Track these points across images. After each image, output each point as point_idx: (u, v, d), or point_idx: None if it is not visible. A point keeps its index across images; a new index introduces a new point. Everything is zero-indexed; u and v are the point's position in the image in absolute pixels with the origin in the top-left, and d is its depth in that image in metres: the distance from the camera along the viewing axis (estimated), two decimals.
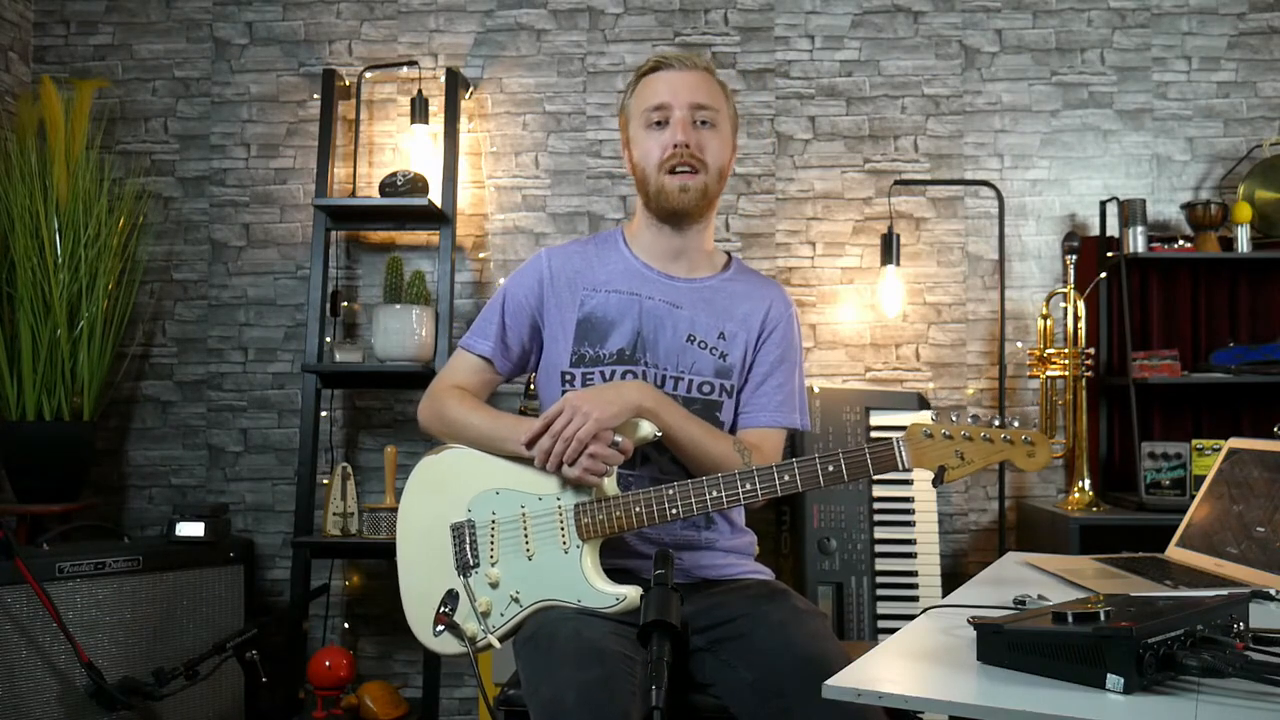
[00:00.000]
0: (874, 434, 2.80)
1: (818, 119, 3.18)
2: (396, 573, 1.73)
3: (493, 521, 1.63)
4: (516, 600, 1.59)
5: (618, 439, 1.55)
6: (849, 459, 1.50)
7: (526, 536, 1.61)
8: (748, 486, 1.53)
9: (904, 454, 1.49)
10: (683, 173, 1.69)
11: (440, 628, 1.61)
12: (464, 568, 1.63)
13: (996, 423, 1.48)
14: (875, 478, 2.76)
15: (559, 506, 1.59)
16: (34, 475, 2.86)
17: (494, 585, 1.61)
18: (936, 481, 1.49)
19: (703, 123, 1.71)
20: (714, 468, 1.61)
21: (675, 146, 1.68)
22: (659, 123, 1.70)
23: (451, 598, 1.62)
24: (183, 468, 3.22)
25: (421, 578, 1.68)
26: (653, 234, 1.77)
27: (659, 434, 1.59)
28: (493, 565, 1.61)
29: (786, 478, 1.52)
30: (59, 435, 2.87)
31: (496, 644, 1.59)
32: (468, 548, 1.63)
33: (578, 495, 1.59)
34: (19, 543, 2.54)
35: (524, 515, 1.61)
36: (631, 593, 1.53)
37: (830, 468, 1.51)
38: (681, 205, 1.70)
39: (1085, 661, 1.00)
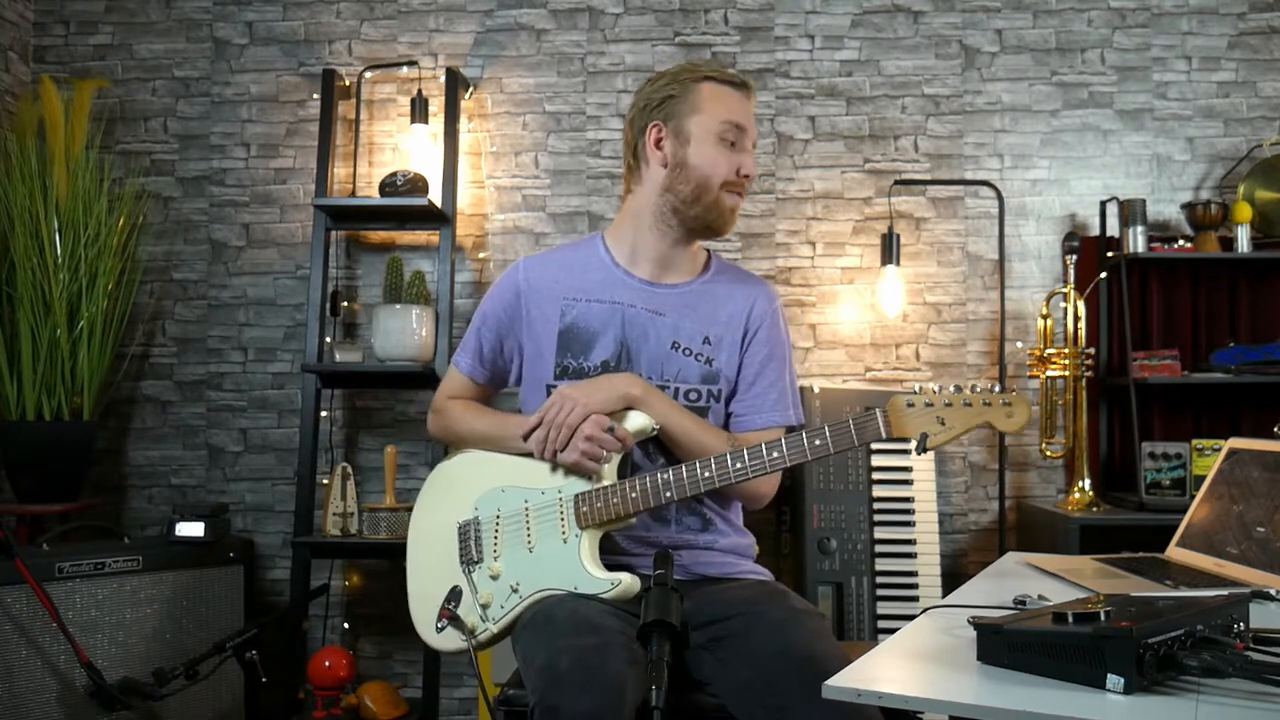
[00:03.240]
0: None
1: (818, 119, 3.18)
2: (404, 576, 1.77)
3: (497, 517, 1.67)
4: (516, 591, 1.62)
5: (613, 426, 1.59)
6: (833, 430, 1.53)
7: (528, 529, 1.64)
8: (738, 465, 1.56)
9: (886, 423, 1.52)
10: (736, 197, 1.74)
11: (443, 622, 1.65)
12: (469, 563, 1.67)
13: (975, 387, 1.51)
14: (876, 478, 2.77)
15: (560, 498, 1.63)
16: (34, 475, 2.85)
17: (495, 578, 1.64)
18: (920, 449, 1.51)
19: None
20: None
21: (746, 177, 1.73)
22: (732, 141, 1.72)
23: (455, 594, 1.66)
24: (183, 468, 3.21)
25: (428, 578, 1.72)
26: (653, 238, 1.76)
27: (656, 428, 1.62)
28: (495, 559, 1.65)
29: (775, 454, 1.55)
30: (59, 435, 2.87)
31: (494, 629, 1.62)
32: (472, 544, 1.68)
33: (578, 486, 1.62)
34: (19, 543, 2.54)
35: (527, 509, 1.65)
36: (625, 577, 1.56)
37: (817, 441, 1.54)
38: (727, 226, 1.75)
39: (1085, 661, 1.00)
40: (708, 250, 1.86)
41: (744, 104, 1.75)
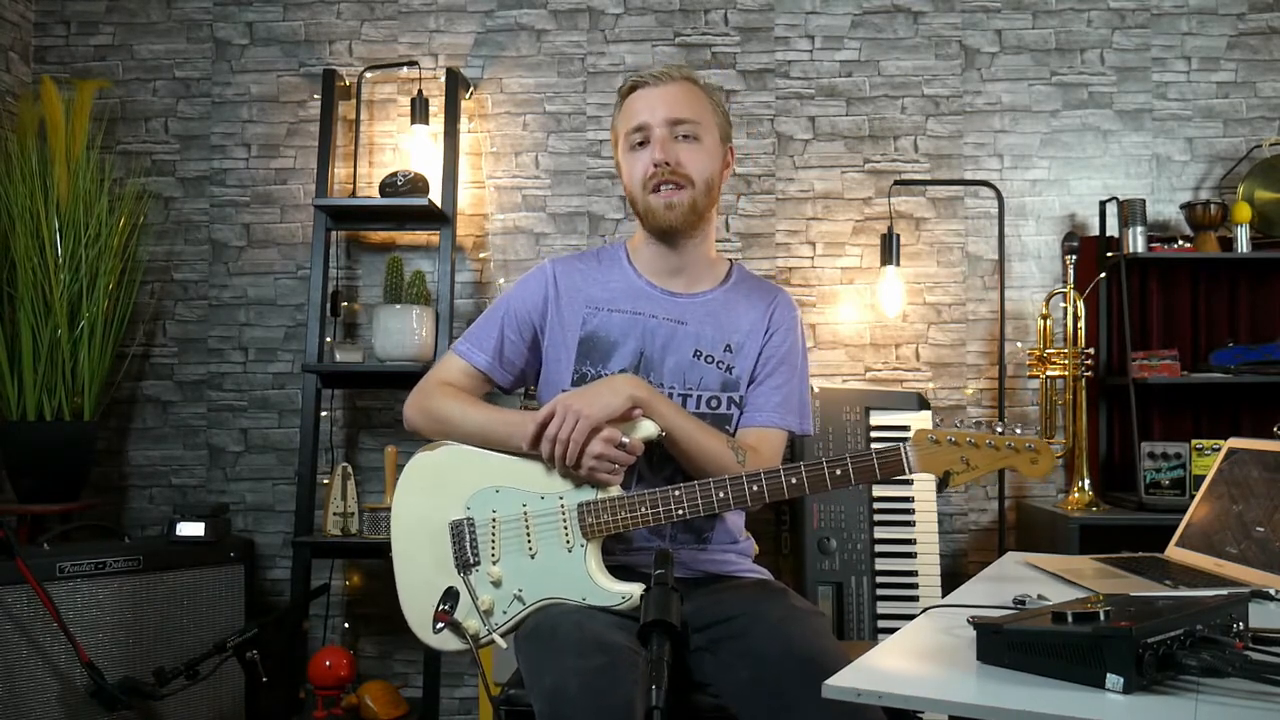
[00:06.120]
0: (874, 434, 2.80)
1: (818, 119, 3.18)
2: (392, 570, 1.72)
3: (493, 519, 1.63)
4: (520, 598, 1.59)
5: (624, 440, 1.56)
6: (856, 464, 1.51)
7: (529, 535, 1.61)
8: (755, 488, 1.53)
9: (910, 459, 1.50)
10: (667, 189, 1.70)
11: (440, 625, 1.61)
12: (464, 565, 1.63)
13: (1000, 429, 1.49)
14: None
15: (562, 505, 1.60)
16: (34, 475, 2.86)
17: (496, 583, 1.61)
18: (941, 487, 1.50)
19: (683, 136, 1.71)
20: (709, 462, 1.62)
21: (655, 165, 1.69)
22: (640, 143, 1.72)
23: (451, 595, 1.62)
24: (183, 468, 3.22)
25: (419, 575, 1.67)
26: (652, 251, 1.78)
27: (663, 433, 1.59)
28: (494, 563, 1.62)
29: (794, 480, 1.52)
30: (59, 435, 2.87)
31: (502, 643, 1.59)
32: (468, 545, 1.63)
33: (581, 494, 1.59)
34: (19, 543, 2.54)
35: (525, 514, 1.62)
36: (636, 591, 1.54)
37: (838, 471, 1.51)
38: (669, 222, 1.71)
39: (1085, 661, 1.00)
40: (730, 260, 1.86)
41: (649, 99, 1.71)
